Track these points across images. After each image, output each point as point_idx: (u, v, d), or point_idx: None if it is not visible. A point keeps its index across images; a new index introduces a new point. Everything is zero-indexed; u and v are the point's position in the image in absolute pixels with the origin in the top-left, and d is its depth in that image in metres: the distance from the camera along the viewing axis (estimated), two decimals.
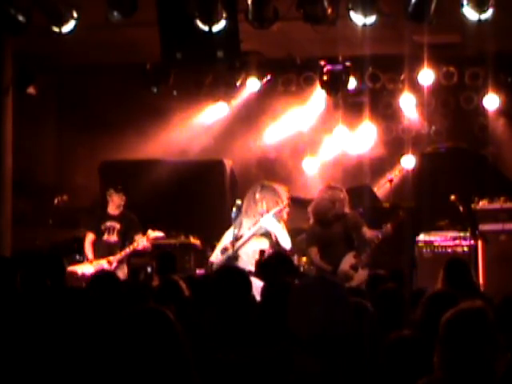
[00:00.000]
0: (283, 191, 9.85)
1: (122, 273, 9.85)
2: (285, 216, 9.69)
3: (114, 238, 10.13)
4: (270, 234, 9.46)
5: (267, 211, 9.46)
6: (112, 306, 4.04)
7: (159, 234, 10.11)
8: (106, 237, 10.12)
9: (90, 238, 10.16)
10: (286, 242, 9.43)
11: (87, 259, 10.07)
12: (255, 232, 9.43)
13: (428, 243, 10.99)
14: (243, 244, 9.40)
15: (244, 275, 4.46)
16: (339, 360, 2.87)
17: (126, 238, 10.11)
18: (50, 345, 3.70)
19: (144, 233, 10.02)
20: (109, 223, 10.16)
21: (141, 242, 9.95)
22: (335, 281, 3.39)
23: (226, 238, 9.64)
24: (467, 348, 3.07)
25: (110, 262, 9.90)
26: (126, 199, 10.29)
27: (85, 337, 3.67)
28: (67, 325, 3.72)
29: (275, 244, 9.38)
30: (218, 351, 3.88)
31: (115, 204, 10.24)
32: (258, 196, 9.57)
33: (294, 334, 2.91)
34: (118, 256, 9.92)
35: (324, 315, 2.86)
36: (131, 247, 9.97)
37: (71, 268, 9.75)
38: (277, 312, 5.02)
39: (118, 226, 10.15)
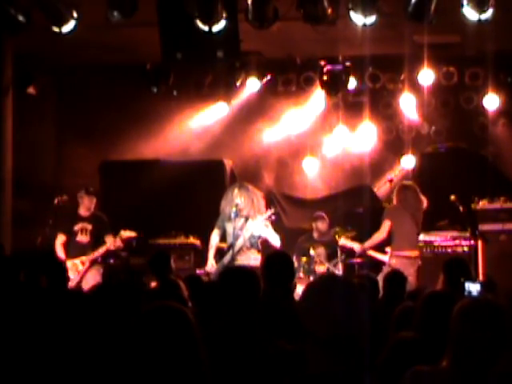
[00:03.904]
0: (260, 196, 9.95)
1: (98, 272, 10.12)
2: (272, 218, 9.84)
3: (86, 238, 10.26)
4: (258, 245, 9.61)
5: (242, 210, 9.55)
6: (117, 307, 4.03)
7: (131, 234, 10.32)
8: (78, 238, 10.24)
9: (61, 239, 10.24)
10: (276, 241, 9.63)
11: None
12: (246, 242, 9.54)
13: (428, 243, 11.00)
14: (237, 254, 9.51)
15: (254, 275, 4.43)
16: (355, 358, 2.87)
17: (97, 238, 10.27)
18: (57, 344, 3.70)
19: (114, 234, 10.22)
20: (80, 224, 10.29)
21: (113, 242, 10.16)
22: (349, 280, 3.40)
23: (213, 241, 9.80)
24: (477, 338, 3.07)
25: (83, 262, 10.09)
26: (96, 201, 10.47)
27: (91, 335, 3.67)
28: (74, 324, 3.72)
29: (262, 252, 9.56)
30: (227, 350, 3.87)
31: (85, 206, 10.38)
32: (235, 194, 9.66)
33: (310, 332, 2.90)
34: (91, 256, 10.11)
35: (344, 314, 2.86)
36: (104, 247, 10.18)
37: None
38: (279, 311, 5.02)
39: (89, 227, 10.30)
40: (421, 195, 10.42)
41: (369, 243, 10.36)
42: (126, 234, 10.21)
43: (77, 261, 10.05)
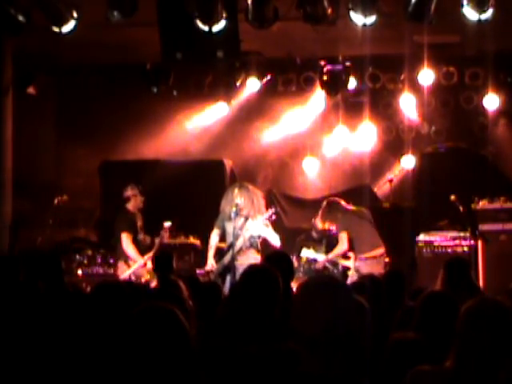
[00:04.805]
0: (260, 196, 9.93)
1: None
2: (273, 217, 9.81)
3: (143, 236, 10.11)
4: (258, 245, 9.60)
5: (242, 210, 9.53)
6: (114, 306, 4.03)
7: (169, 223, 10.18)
8: (140, 236, 10.08)
9: (130, 237, 9.93)
10: (276, 241, 9.62)
11: (129, 260, 9.87)
12: (246, 242, 9.52)
13: (428, 243, 11.00)
14: (237, 254, 9.48)
15: (275, 273, 4.41)
16: (343, 359, 2.87)
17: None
18: (54, 343, 3.70)
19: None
20: (139, 222, 10.15)
21: (163, 235, 10.01)
22: (340, 280, 3.38)
23: (212, 241, 9.77)
24: (484, 340, 3.06)
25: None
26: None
27: (88, 335, 3.67)
28: (72, 323, 3.72)
29: (261, 251, 9.55)
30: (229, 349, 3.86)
31: (137, 204, 10.17)
32: (235, 194, 9.63)
33: (298, 332, 2.90)
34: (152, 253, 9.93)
35: (331, 314, 2.86)
36: (158, 243, 10.00)
37: (136, 273, 9.64)
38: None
39: (141, 224, 10.17)
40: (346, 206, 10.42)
41: (332, 255, 10.38)
42: (168, 224, 10.03)
43: (145, 257, 9.83)
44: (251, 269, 4.73)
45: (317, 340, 2.84)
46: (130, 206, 10.16)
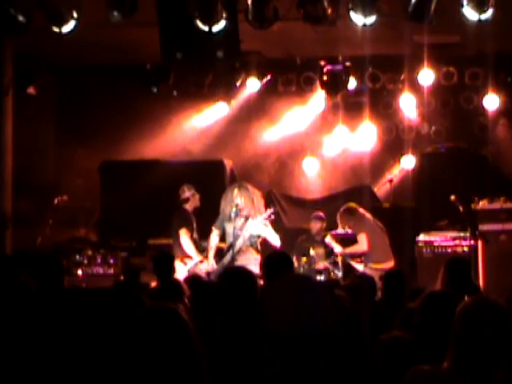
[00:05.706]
0: (259, 196, 9.93)
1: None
2: (272, 217, 9.80)
3: (196, 235, 10.15)
4: (257, 245, 9.59)
5: (242, 210, 9.52)
6: (115, 307, 4.04)
7: None
8: (194, 234, 10.12)
9: (188, 234, 9.95)
10: (276, 240, 9.62)
11: (184, 257, 9.85)
12: (246, 242, 9.52)
13: (428, 243, 11.01)
14: (237, 254, 9.47)
15: (252, 276, 4.44)
16: (318, 359, 2.86)
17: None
18: (57, 343, 3.70)
19: None
20: (195, 221, 10.21)
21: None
22: (313, 279, 3.38)
23: (212, 242, 9.76)
24: (480, 339, 3.05)
25: (206, 258, 9.87)
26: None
27: (90, 336, 3.67)
28: (74, 324, 3.72)
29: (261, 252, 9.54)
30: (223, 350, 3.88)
31: (195, 203, 10.27)
32: (235, 194, 9.63)
33: (270, 332, 2.90)
34: (213, 253, 9.91)
35: (302, 314, 2.86)
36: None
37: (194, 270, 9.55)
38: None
39: (195, 223, 10.21)
40: (365, 213, 10.45)
41: (349, 250, 10.39)
42: None
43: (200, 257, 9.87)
44: (226, 271, 4.78)
45: (289, 340, 2.83)
46: (189, 206, 10.28)
